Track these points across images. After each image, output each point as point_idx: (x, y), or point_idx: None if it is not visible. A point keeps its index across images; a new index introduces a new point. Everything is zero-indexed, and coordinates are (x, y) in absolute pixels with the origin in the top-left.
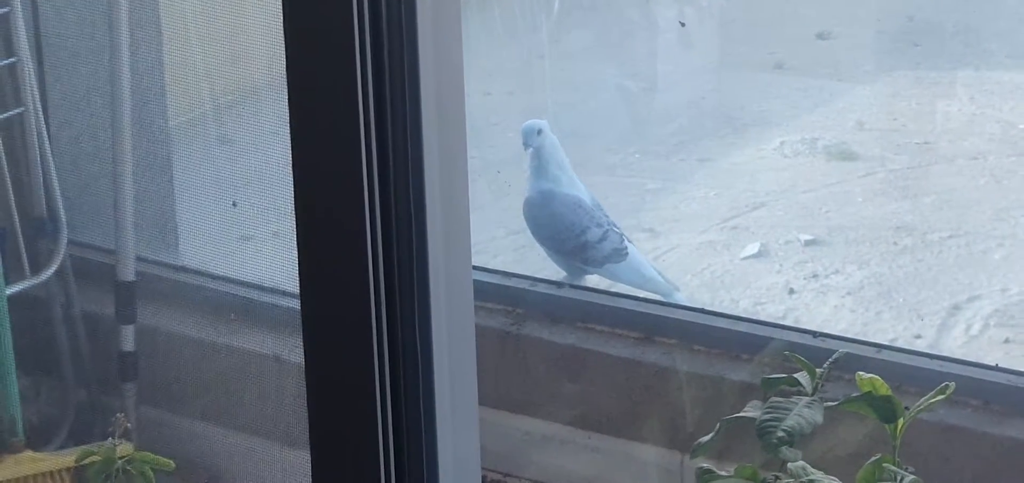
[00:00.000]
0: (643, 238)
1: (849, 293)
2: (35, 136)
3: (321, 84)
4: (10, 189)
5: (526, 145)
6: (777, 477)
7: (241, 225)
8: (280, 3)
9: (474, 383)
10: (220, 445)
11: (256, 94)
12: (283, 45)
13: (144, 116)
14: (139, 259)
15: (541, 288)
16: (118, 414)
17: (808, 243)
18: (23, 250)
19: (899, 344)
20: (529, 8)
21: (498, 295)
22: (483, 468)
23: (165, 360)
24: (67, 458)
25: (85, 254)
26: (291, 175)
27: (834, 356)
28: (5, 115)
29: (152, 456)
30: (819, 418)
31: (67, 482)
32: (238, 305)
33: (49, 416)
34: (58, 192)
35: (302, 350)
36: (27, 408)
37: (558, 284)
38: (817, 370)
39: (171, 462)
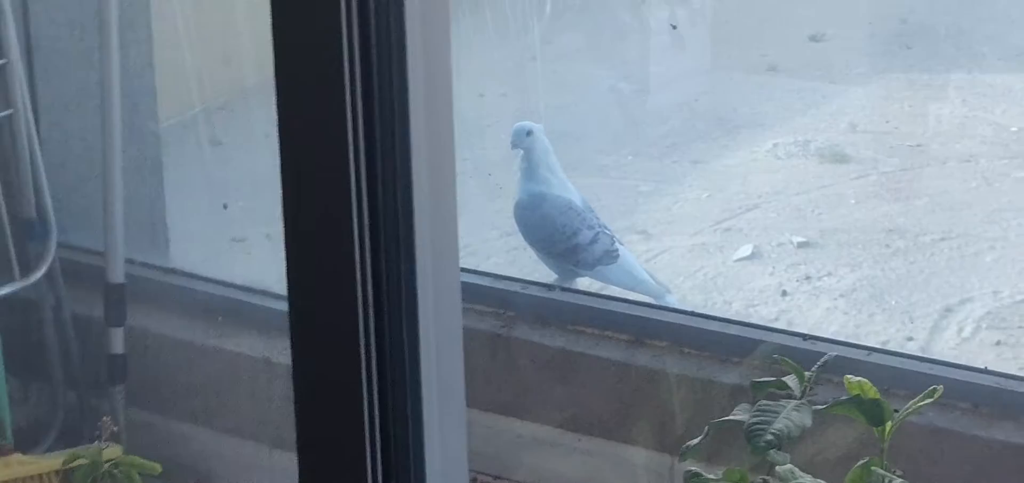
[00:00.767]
0: (636, 240)
1: (842, 295)
2: (25, 138)
3: (309, 87)
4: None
5: (515, 146)
6: (765, 480)
7: (233, 227)
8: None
9: (461, 385)
10: (210, 447)
11: (248, 96)
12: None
13: (134, 118)
14: (129, 261)
15: (532, 291)
16: (104, 417)
17: (801, 245)
18: (12, 252)
19: (891, 346)
20: (521, 10)
21: (489, 297)
22: (474, 470)
23: (155, 362)
24: (55, 461)
25: (75, 256)
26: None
27: (823, 359)
28: None
29: (139, 460)
30: (807, 421)
31: None
32: (228, 307)
33: (38, 419)
34: (48, 194)
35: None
36: (16, 411)
37: (548, 287)
38: (806, 373)
39: (158, 465)
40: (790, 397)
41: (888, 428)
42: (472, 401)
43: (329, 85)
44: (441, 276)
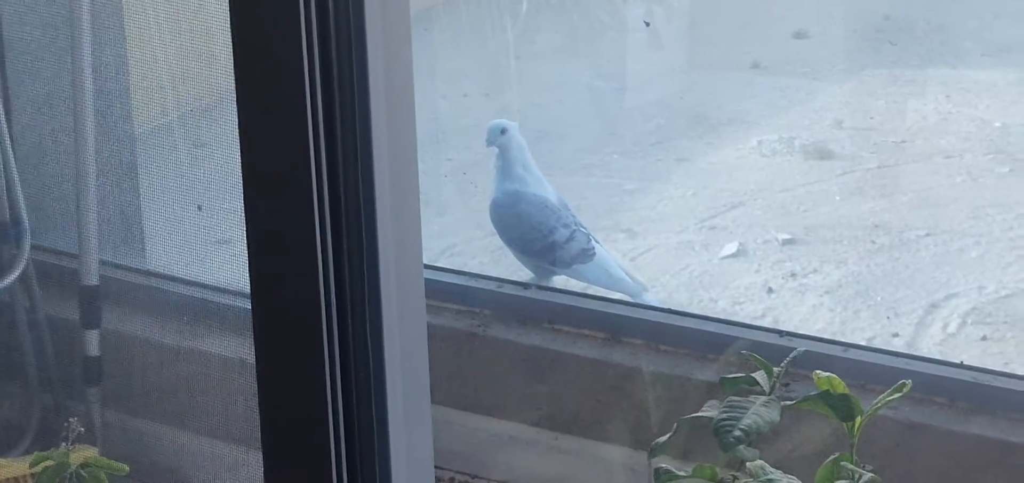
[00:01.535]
0: (621, 238)
1: (827, 292)
2: None
3: (269, 89)
4: None
5: (490, 143)
6: (735, 477)
7: (219, 229)
8: None
9: (427, 384)
10: (187, 448)
11: (231, 98)
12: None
13: (109, 119)
14: (104, 263)
15: (507, 289)
16: (71, 418)
17: (786, 242)
18: None
19: (877, 343)
20: (496, 9)
21: (464, 297)
22: (450, 470)
23: (131, 364)
24: (27, 464)
25: (49, 259)
26: None
27: (792, 355)
28: None
29: (106, 461)
30: (776, 417)
31: None
32: (203, 309)
33: (13, 421)
34: (21, 196)
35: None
36: None
37: (524, 285)
38: (775, 369)
39: (125, 466)
40: (760, 393)
41: (858, 423)
42: (448, 400)
43: (289, 86)
44: (405, 276)
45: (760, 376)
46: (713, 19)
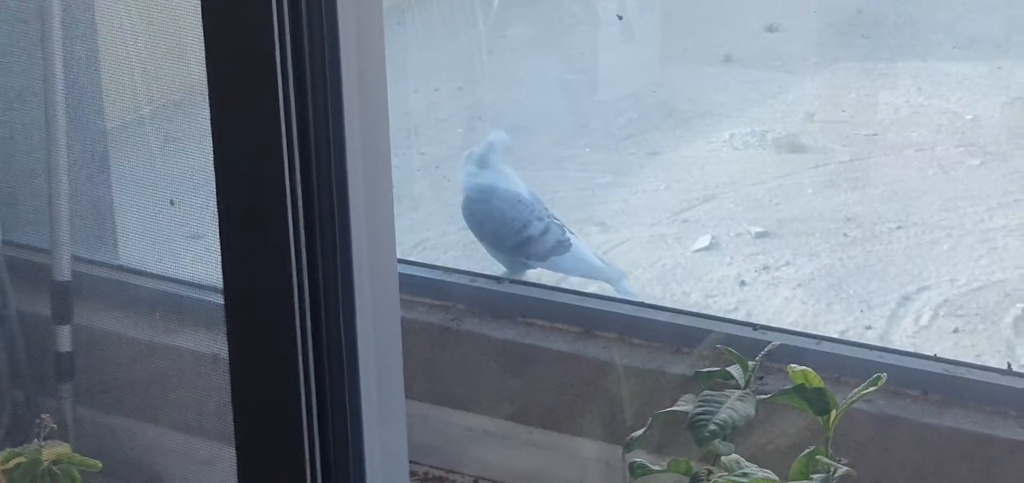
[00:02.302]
0: (593, 232)
1: (800, 285)
2: None
3: (241, 84)
4: None
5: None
6: (710, 471)
7: (184, 224)
8: None
9: (400, 379)
10: (159, 444)
11: (200, 93)
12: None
13: (80, 114)
14: (76, 259)
15: (481, 283)
16: (44, 415)
17: (759, 235)
18: None
19: (850, 335)
20: (468, 3)
21: (438, 291)
22: (424, 464)
23: (103, 360)
24: None
25: (20, 254)
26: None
27: (767, 348)
28: None
29: (79, 457)
30: (751, 411)
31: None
32: (176, 304)
33: None
34: None
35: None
36: None
37: (498, 279)
38: (750, 363)
39: (98, 463)
40: (735, 387)
41: (833, 417)
42: (422, 394)
43: (261, 81)
44: (378, 271)
45: (735, 370)
46: (685, 13)
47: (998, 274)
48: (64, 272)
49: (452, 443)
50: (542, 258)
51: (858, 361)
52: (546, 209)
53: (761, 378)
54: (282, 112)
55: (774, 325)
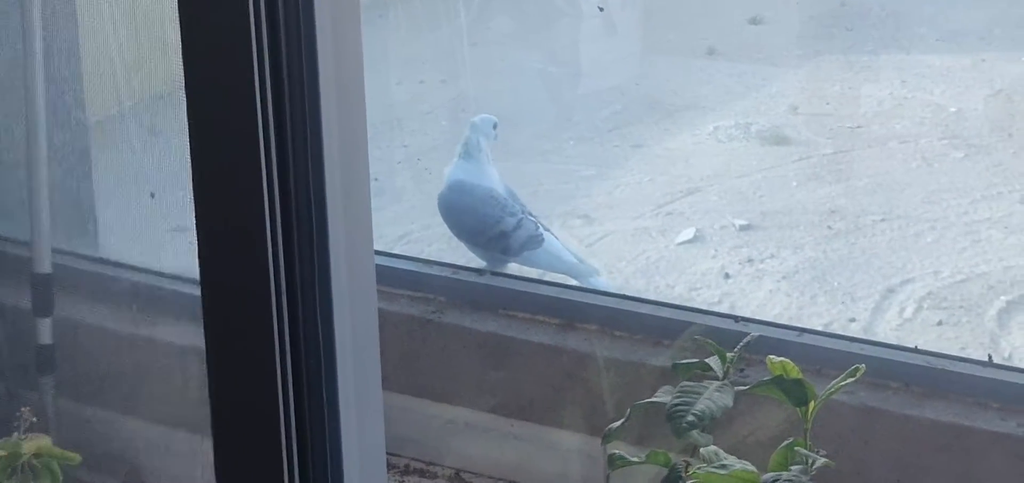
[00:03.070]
0: (578, 224)
1: (784, 277)
2: None
3: (218, 77)
4: None
5: (483, 138)
6: (688, 462)
7: (165, 217)
8: None
9: (378, 371)
10: (140, 436)
11: (181, 86)
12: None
13: (61, 106)
14: (57, 251)
15: (462, 276)
16: (23, 408)
17: (743, 228)
18: None
19: (834, 327)
20: None
21: (419, 283)
22: (405, 456)
23: (84, 352)
24: None
25: (0, 246)
26: None
27: (745, 340)
28: None
29: (58, 450)
30: (729, 402)
31: None
32: (157, 297)
33: None
34: None
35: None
36: None
37: (479, 272)
38: (728, 354)
39: (77, 456)
40: (714, 378)
41: (812, 408)
42: (403, 387)
43: (237, 74)
44: (355, 263)
45: (714, 361)
46: (668, 5)
47: (982, 266)
48: (45, 265)
49: (433, 435)
50: (515, 253)
51: (839, 353)
52: (521, 204)
53: (742, 370)
54: (259, 105)
55: (757, 318)
